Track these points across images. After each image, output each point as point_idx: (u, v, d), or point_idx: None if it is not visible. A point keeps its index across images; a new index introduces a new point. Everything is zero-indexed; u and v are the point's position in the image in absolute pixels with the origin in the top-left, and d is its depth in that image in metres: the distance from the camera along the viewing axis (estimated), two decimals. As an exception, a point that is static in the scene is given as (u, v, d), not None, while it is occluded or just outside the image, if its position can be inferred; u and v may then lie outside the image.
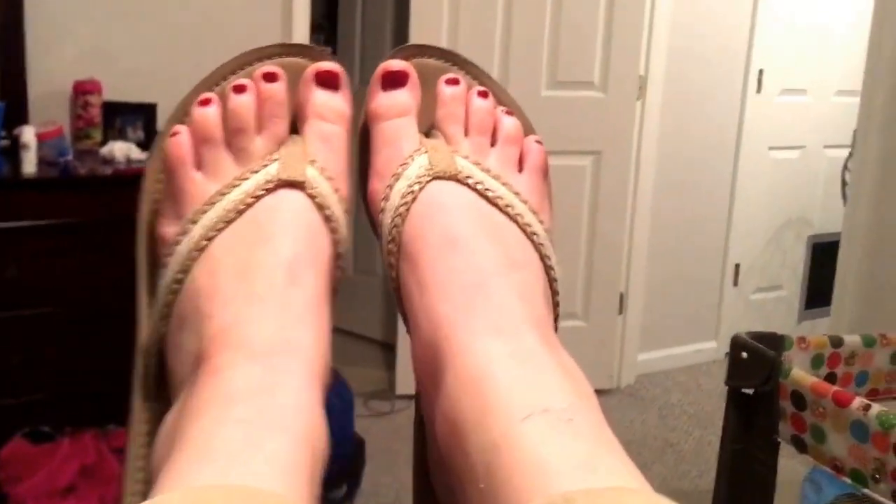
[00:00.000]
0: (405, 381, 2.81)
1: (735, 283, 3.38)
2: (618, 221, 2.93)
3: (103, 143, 2.16)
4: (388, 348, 3.08)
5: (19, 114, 2.08)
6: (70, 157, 2.00)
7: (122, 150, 2.09)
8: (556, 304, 0.48)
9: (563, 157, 2.78)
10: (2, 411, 1.89)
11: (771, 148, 3.34)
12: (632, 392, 3.05)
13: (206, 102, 0.48)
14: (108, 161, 2.07)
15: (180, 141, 0.47)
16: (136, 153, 2.11)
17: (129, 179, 2.02)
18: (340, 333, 0.52)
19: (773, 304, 3.53)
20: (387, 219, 0.47)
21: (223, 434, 0.36)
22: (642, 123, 2.92)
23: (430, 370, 0.42)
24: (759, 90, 3.22)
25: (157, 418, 0.44)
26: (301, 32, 2.57)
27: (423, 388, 0.44)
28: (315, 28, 2.90)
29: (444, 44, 2.64)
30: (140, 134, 2.22)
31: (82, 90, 2.18)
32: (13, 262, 1.88)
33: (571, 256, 2.86)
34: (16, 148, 1.93)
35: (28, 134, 1.92)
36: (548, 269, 0.48)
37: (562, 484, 0.32)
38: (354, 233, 0.51)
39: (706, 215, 3.26)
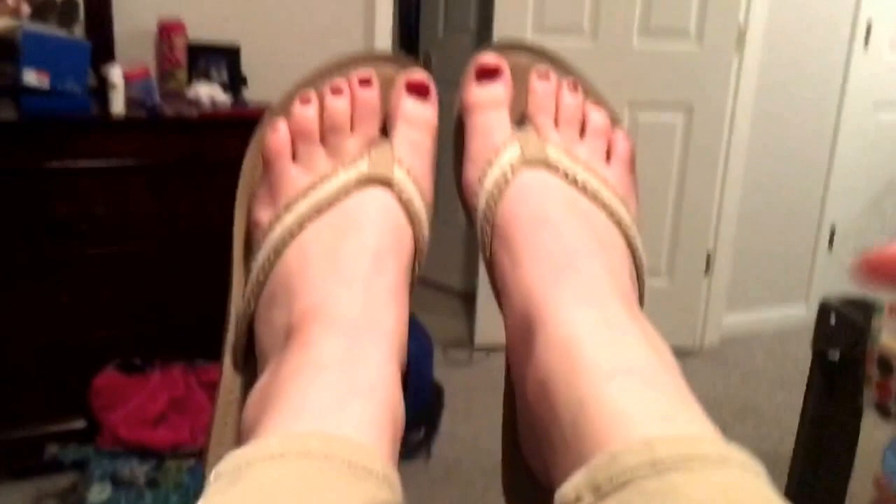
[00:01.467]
0: (484, 332, 2.83)
1: (830, 246, 3.26)
2: (708, 179, 2.84)
3: (188, 84, 2.19)
4: (468, 299, 3.09)
5: (105, 54, 2.10)
6: (157, 98, 2.03)
7: (207, 92, 2.11)
8: (641, 287, 0.51)
9: (654, 113, 2.71)
10: (93, 343, 1.97)
11: (877, 107, 3.16)
12: (716, 354, 2.99)
13: (306, 101, 0.52)
14: (194, 103, 2.10)
15: (280, 134, 0.51)
16: (221, 96, 2.13)
17: (215, 122, 2.05)
18: (421, 283, 0.53)
19: (868, 270, 3.39)
20: (481, 202, 0.51)
21: (314, 396, 0.39)
22: (739, 78, 2.79)
23: (522, 338, 0.45)
24: (866, 44, 3.04)
25: (244, 387, 0.49)
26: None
27: (515, 355, 0.47)
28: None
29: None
30: (224, 76, 2.24)
31: (167, 31, 2.20)
32: (102, 200, 1.93)
33: (658, 213, 2.80)
34: (103, 88, 1.96)
35: (116, 74, 1.94)
36: (634, 254, 0.51)
37: (642, 432, 0.34)
38: (436, 182, 0.53)
39: (803, 175, 3.13)
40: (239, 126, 2.01)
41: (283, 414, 0.38)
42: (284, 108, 0.53)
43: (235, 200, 0.53)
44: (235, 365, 0.50)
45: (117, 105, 1.94)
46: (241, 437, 0.44)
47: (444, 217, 3.61)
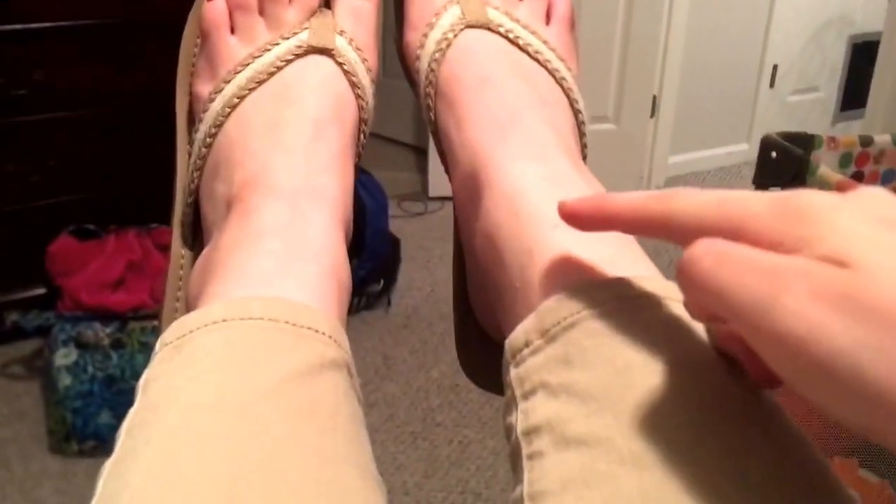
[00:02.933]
0: (437, 184, 2.85)
1: (772, 85, 3.30)
2: (654, 21, 2.82)
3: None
4: (421, 152, 3.10)
5: None
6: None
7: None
8: (583, 146, 0.51)
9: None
10: (43, 210, 1.95)
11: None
12: (661, 194, 3.07)
13: None
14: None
15: (216, 5, 0.50)
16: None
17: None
18: (373, 137, 0.54)
19: (808, 106, 3.46)
20: (423, 65, 0.50)
21: (256, 263, 0.40)
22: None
23: (470, 196, 0.45)
24: None
25: (193, 262, 0.48)
26: None
27: (463, 213, 0.47)
28: None
29: None
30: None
31: None
32: (40, 65, 1.87)
33: (604, 58, 2.78)
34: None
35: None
36: (576, 111, 0.50)
37: (588, 276, 0.35)
38: (385, 37, 0.53)
39: (746, 15, 3.12)
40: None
41: (225, 281, 0.39)
42: None
43: (177, 71, 0.52)
44: (184, 240, 0.50)
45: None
46: (187, 309, 0.44)
47: (396, 71, 3.55)
